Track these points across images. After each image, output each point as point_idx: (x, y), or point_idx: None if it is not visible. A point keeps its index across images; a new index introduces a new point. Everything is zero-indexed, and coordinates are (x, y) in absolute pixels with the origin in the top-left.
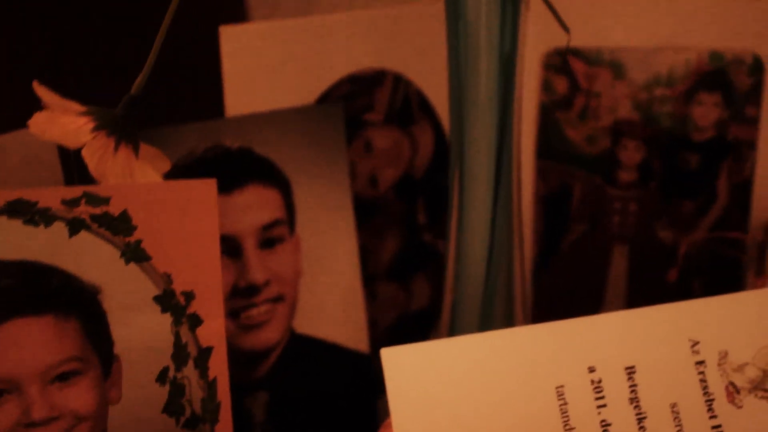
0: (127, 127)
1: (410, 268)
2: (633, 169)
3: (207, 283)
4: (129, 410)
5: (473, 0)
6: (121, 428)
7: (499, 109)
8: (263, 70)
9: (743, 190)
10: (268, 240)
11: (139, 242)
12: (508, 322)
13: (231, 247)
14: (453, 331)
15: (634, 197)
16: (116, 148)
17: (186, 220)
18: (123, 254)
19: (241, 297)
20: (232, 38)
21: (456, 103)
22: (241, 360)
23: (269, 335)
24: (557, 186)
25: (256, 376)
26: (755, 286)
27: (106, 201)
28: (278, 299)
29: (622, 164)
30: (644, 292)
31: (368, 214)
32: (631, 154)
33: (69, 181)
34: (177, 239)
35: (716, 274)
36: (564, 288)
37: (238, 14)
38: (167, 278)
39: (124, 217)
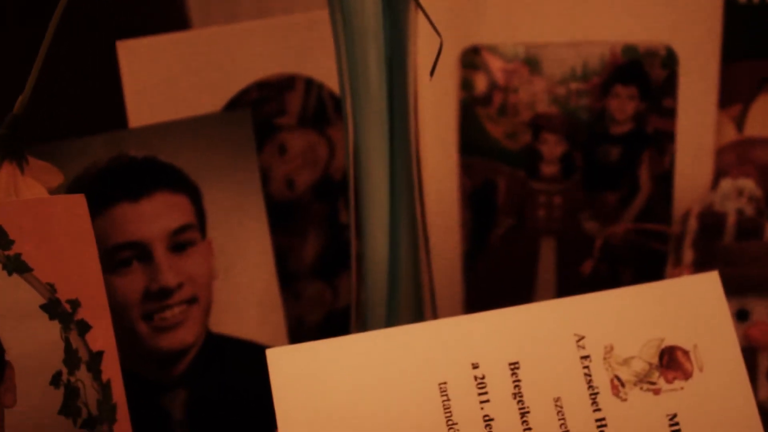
0: (10, 144)
1: (335, 266)
2: (555, 163)
3: (91, 291)
4: (26, 414)
5: (357, 6)
6: (20, 430)
7: (390, 109)
8: (165, 83)
9: (666, 181)
10: (179, 244)
11: (18, 255)
12: (418, 320)
13: (141, 253)
14: (364, 330)
15: (558, 190)
16: None
17: (62, 233)
18: (5, 267)
19: (154, 300)
20: (129, 52)
21: (347, 105)
22: (157, 360)
23: (184, 336)
24: (482, 181)
25: (174, 375)
26: (672, 276)
27: None
28: (192, 301)
29: (544, 158)
30: (573, 284)
31: (288, 216)
32: (552, 147)
33: None
34: (56, 251)
35: (642, 266)
36: (494, 281)
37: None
38: (51, 288)
39: (1, 231)
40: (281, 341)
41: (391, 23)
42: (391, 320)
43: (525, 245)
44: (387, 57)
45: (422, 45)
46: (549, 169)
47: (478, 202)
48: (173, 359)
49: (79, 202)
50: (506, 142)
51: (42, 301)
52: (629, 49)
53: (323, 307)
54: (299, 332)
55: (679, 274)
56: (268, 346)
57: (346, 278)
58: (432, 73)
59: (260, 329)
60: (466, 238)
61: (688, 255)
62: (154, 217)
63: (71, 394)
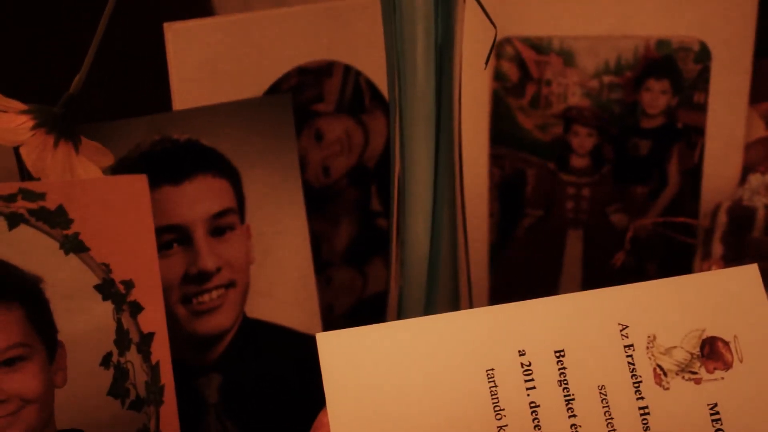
0: (66, 124)
1: (366, 253)
2: (585, 156)
3: (145, 272)
4: (75, 393)
5: None
6: (68, 410)
7: (437, 98)
8: (209, 66)
9: (694, 176)
10: (219, 228)
11: (77, 234)
12: (454, 307)
13: (182, 236)
14: (400, 316)
15: (587, 183)
16: (55, 145)
17: (121, 213)
18: (62, 246)
19: (192, 283)
20: (176, 35)
21: (394, 92)
22: (194, 344)
23: (221, 320)
24: (512, 172)
25: (210, 360)
26: (701, 270)
27: (42, 196)
28: (230, 285)
29: (575, 150)
30: (599, 276)
31: (322, 202)
32: (583, 140)
33: (24, 178)
34: (114, 231)
35: (669, 259)
36: (520, 272)
37: (205, 9)
38: (106, 268)
39: (61, 211)
40: (315, 327)
41: (441, 11)
42: (429, 308)
43: (552, 237)
44: (437, 45)
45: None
46: (579, 161)
47: (507, 192)
48: (210, 343)
49: (140, 182)
50: (537, 133)
51: (96, 281)
52: (663, 44)
53: (353, 294)
54: (329, 319)
55: (708, 268)
56: (303, 332)
57: (375, 265)
58: (487, 62)
59: (295, 315)
60: (494, 228)
61: (717, 249)
62: (196, 200)
63: (121, 375)
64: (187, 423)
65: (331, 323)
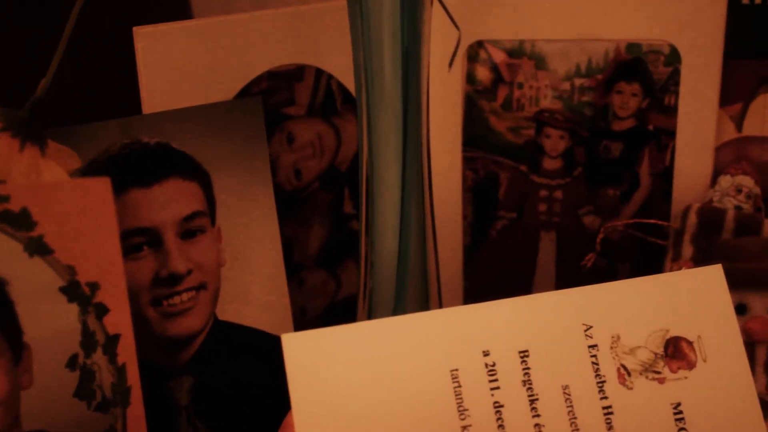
0: (32, 127)
1: (339, 256)
2: (557, 158)
3: (110, 274)
4: (41, 395)
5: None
6: (35, 412)
7: (404, 99)
8: (179, 70)
9: (665, 178)
10: (189, 231)
11: (41, 236)
12: (424, 308)
13: (152, 239)
14: (370, 317)
15: (559, 185)
16: (21, 149)
17: (85, 216)
18: (26, 248)
19: (163, 286)
20: (145, 39)
21: (361, 94)
22: (165, 346)
23: (192, 322)
24: (485, 175)
25: (181, 362)
26: (671, 270)
27: (5, 199)
28: (201, 288)
29: (547, 153)
30: (572, 277)
31: (294, 205)
32: (555, 143)
33: None
34: (78, 233)
35: (641, 260)
36: (494, 274)
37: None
38: (71, 270)
39: (25, 213)
40: (286, 329)
41: (408, 14)
42: (399, 309)
43: (525, 239)
44: (403, 48)
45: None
46: (551, 164)
47: (480, 195)
48: (180, 345)
49: (104, 185)
50: (510, 136)
51: (62, 283)
52: (633, 47)
53: (326, 297)
54: (302, 321)
55: (678, 269)
56: (274, 335)
57: (348, 268)
58: (451, 63)
59: (266, 317)
60: (468, 231)
61: (687, 250)
62: (166, 203)
63: (87, 376)
64: (158, 426)
65: (303, 326)
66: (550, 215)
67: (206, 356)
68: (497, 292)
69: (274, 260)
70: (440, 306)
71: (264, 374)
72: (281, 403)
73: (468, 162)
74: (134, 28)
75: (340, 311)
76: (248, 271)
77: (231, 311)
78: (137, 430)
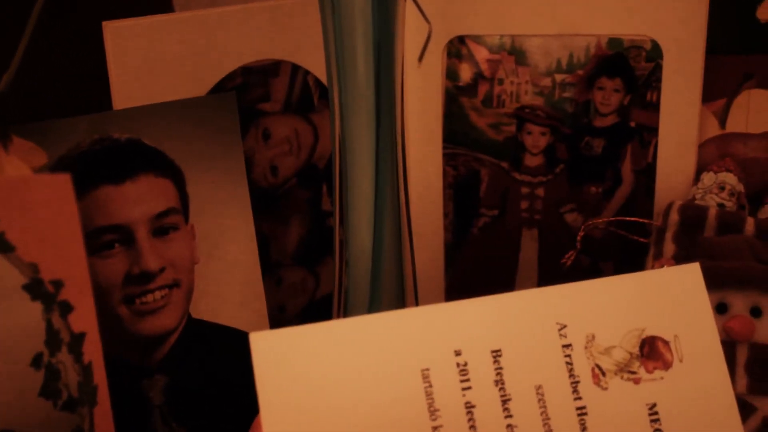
0: None
1: (317, 253)
2: (539, 155)
3: (75, 272)
4: (7, 394)
5: None
6: (0, 411)
7: (377, 94)
8: (150, 66)
9: (648, 175)
10: (162, 228)
11: (2, 234)
12: (400, 306)
13: (124, 236)
14: (345, 316)
15: (541, 182)
16: None
17: (47, 212)
18: None
19: (135, 284)
20: (115, 33)
21: (333, 90)
22: (138, 345)
23: (166, 321)
24: (466, 172)
25: (155, 361)
26: (653, 268)
27: None
28: (174, 285)
29: (528, 150)
30: (554, 275)
31: (271, 202)
32: (536, 139)
33: None
34: (40, 230)
35: (623, 258)
36: (476, 271)
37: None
38: (34, 267)
39: None
40: (262, 328)
41: (379, 9)
42: (374, 307)
43: (507, 236)
44: (375, 43)
45: (407, 34)
46: (533, 160)
47: (461, 192)
48: (154, 344)
49: (64, 182)
50: (490, 132)
51: (24, 281)
52: (614, 42)
53: (305, 295)
54: (281, 319)
55: (659, 267)
56: (249, 333)
57: (328, 266)
58: (421, 58)
59: (241, 315)
60: (449, 228)
61: (669, 248)
62: (138, 200)
63: (52, 375)
64: (132, 425)
65: (282, 324)
66: (531, 212)
67: (180, 355)
68: (479, 290)
69: (249, 257)
70: (417, 304)
71: (239, 373)
72: (256, 403)
73: (449, 159)
74: (104, 23)
75: (320, 309)
76: (223, 269)
77: (205, 309)
78: (105, 429)
